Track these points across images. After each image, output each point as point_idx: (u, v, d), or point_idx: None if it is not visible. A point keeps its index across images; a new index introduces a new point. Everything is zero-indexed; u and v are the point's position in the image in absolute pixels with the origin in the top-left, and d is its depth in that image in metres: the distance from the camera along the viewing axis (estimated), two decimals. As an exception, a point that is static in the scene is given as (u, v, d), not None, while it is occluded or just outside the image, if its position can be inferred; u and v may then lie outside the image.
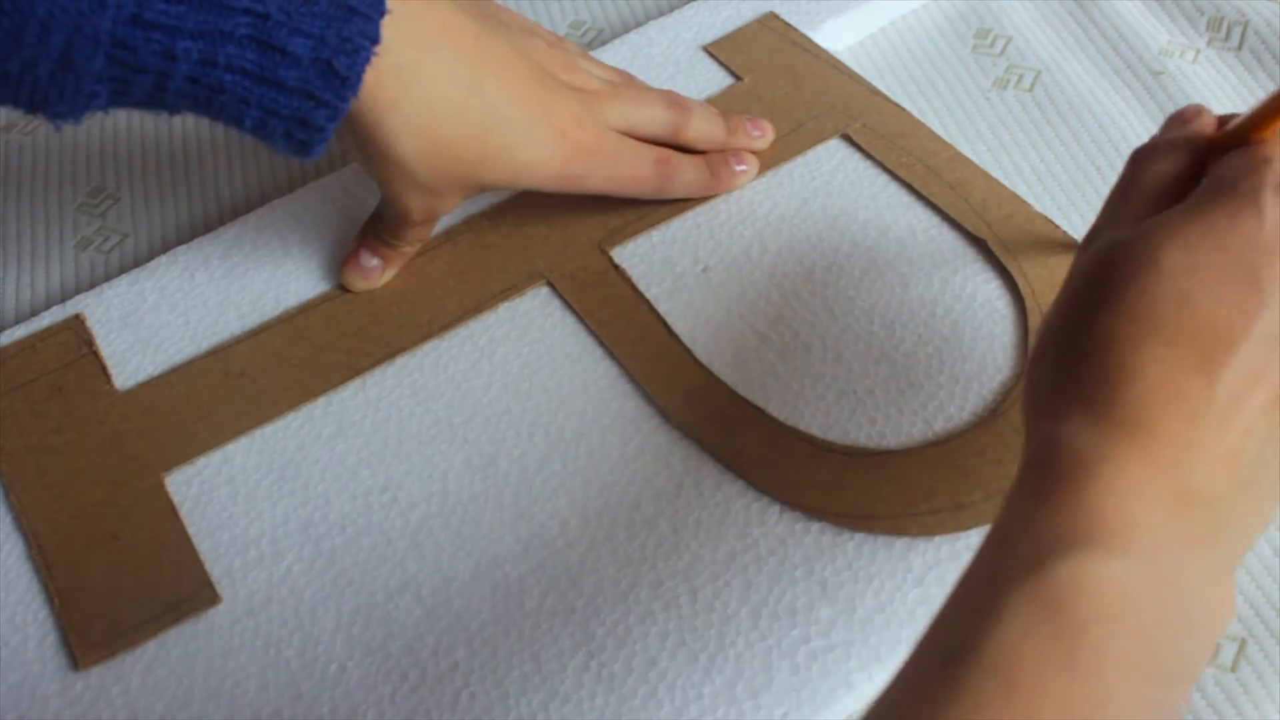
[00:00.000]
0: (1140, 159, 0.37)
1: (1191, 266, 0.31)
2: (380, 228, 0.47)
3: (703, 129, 0.50)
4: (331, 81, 0.39)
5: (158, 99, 0.38)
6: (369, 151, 0.42)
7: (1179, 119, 0.38)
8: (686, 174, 0.49)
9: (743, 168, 0.50)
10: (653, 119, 0.48)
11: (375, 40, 0.39)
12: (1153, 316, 0.31)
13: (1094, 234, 0.36)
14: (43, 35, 0.35)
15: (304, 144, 0.40)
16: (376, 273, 0.48)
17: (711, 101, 0.53)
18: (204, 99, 0.39)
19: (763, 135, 0.51)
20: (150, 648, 0.39)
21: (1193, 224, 0.32)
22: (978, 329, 0.45)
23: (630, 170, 0.47)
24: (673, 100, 0.49)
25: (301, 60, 0.38)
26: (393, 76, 0.40)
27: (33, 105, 0.37)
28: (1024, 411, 0.33)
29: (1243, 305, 0.31)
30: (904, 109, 0.52)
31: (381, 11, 0.39)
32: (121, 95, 0.38)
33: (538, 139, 0.44)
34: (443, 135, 0.42)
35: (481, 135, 0.43)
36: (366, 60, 0.39)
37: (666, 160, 0.48)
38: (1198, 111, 0.38)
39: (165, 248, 0.52)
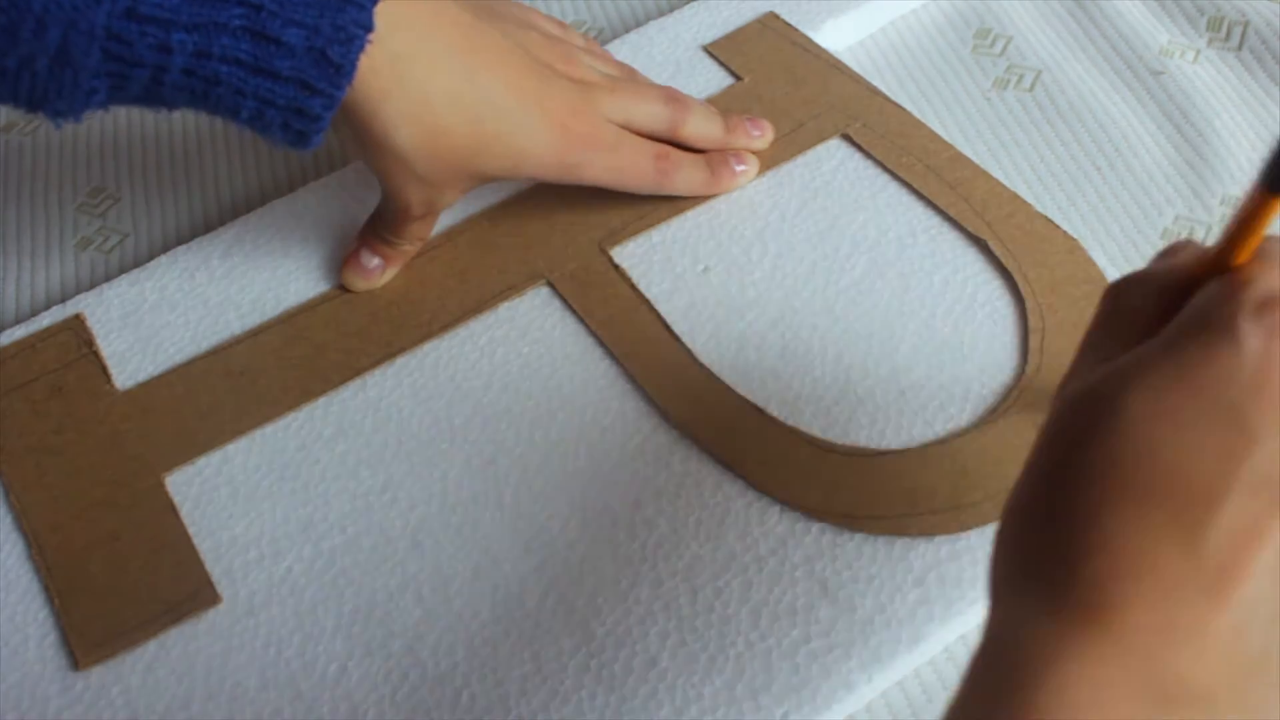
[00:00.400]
0: (1115, 293, 0.32)
1: (1161, 412, 0.27)
2: (380, 226, 0.47)
3: (700, 128, 0.50)
4: (326, 70, 0.39)
5: (155, 93, 0.38)
6: (367, 143, 0.42)
7: (1165, 252, 0.33)
8: (686, 171, 0.49)
9: (743, 168, 0.50)
10: (650, 115, 0.48)
11: (369, 29, 0.39)
12: (1117, 474, 0.27)
13: (1067, 379, 0.32)
14: (39, 30, 0.35)
15: (301, 134, 0.40)
16: (377, 272, 0.48)
17: (711, 101, 0.53)
18: (200, 92, 0.39)
19: (763, 135, 0.51)
20: (150, 648, 0.39)
21: (1162, 363, 0.28)
22: (978, 329, 0.45)
23: (629, 162, 0.47)
24: (671, 97, 0.49)
25: (295, 50, 0.38)
26: (388, 65, 0.40)
27: (32, 102, 0.37)
28: (988, 589, 0.29)
29: (1226, 451, 0.26)
30: (904, 109, 0.52)
31: (375, 0, 0.39)
32: (120, 90, 0.38)
33: (534, 126, 0.44)
34: (439, 123, 0.42)
35: (477, 123, 0.43)
36: (361, 48, 0.39)
37: (666, 155, 0.48)
38: (1186, 244, 0.33)
39: (165, 248, 0.52)
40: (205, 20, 0.37)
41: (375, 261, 0.48)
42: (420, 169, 0.43)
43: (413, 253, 0.48)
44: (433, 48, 0.42)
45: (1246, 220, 0.29)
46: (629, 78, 0.51)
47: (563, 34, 0.51)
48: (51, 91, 0.37)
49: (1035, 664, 0.25)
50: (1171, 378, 0.27)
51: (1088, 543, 0.26)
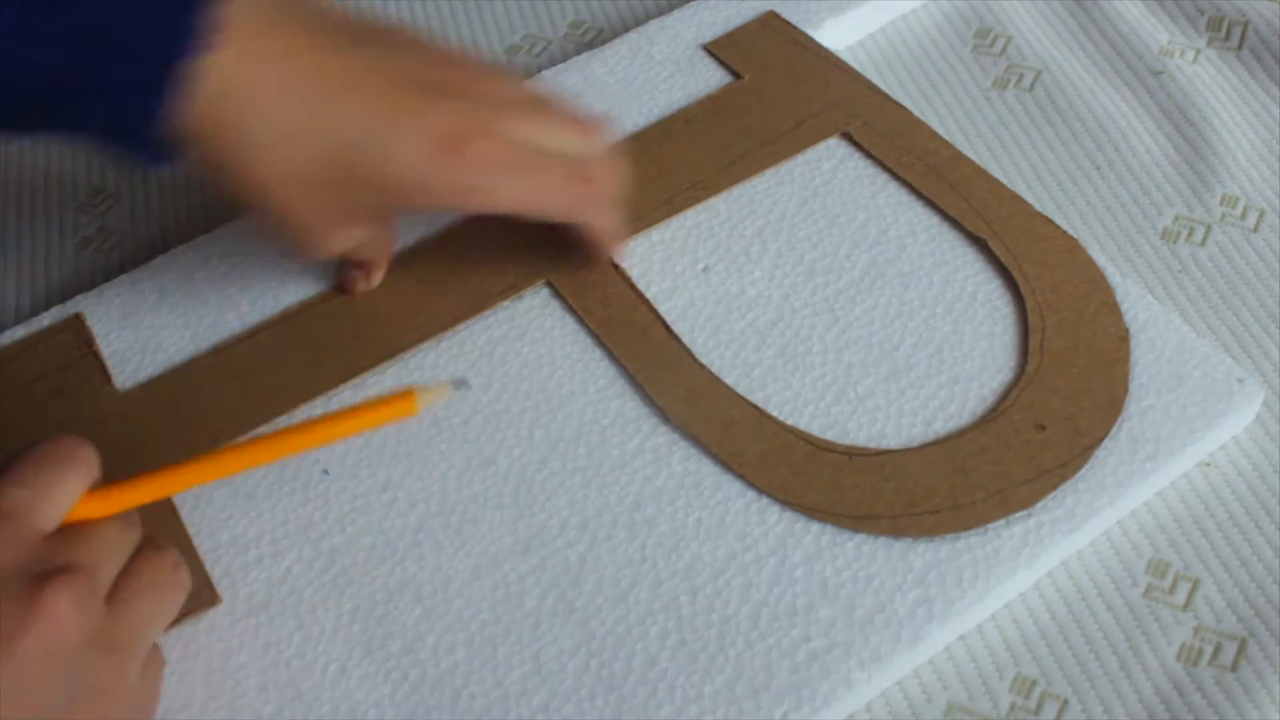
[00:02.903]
0: None
1: None
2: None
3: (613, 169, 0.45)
4: (151, 92, 0.37)
5: None
6: (239, 196, 0.40)
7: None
8: (608, 209, 0.45)
9: None
10: (563, 146, 0.44)
11: (200, 47, 0.37)
12: None
13: None
14: None
15: (139, 160, 0.39)
16: (360, 281, 0.48)
17: (711, 99, 0.53)
18: (29, 112, 0.38)
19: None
20: (150, 648, 0.39)
21: None
22: (978, 329, 0.45)
23: (546, 185, 0.43)
24: (591, 127, 0.45)
25: (115, 86, 0.37)
26: (227, 107, 0.38)
27: None
28: None
29: None
30: (904, 108, 0.52)
31: (205, 29, 0.37)
32: None
33: (411, 149, 0.40)
34: (300, 156, 0.39)
35: (343, 151, 0.40)
36: (189, 67, 0.37)
37: (589, 181, 0.44)
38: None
39: (165, 248, 0.52)
40: (27, 35, 0.36)
41: (354, 271, 0.47)
42: (290, 214, 0.40)
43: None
44: (276, 81, 0.39)
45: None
46: (544, 105, 0.45)
47: (464, 59, 0.46)
48: None
49: None
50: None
51: None
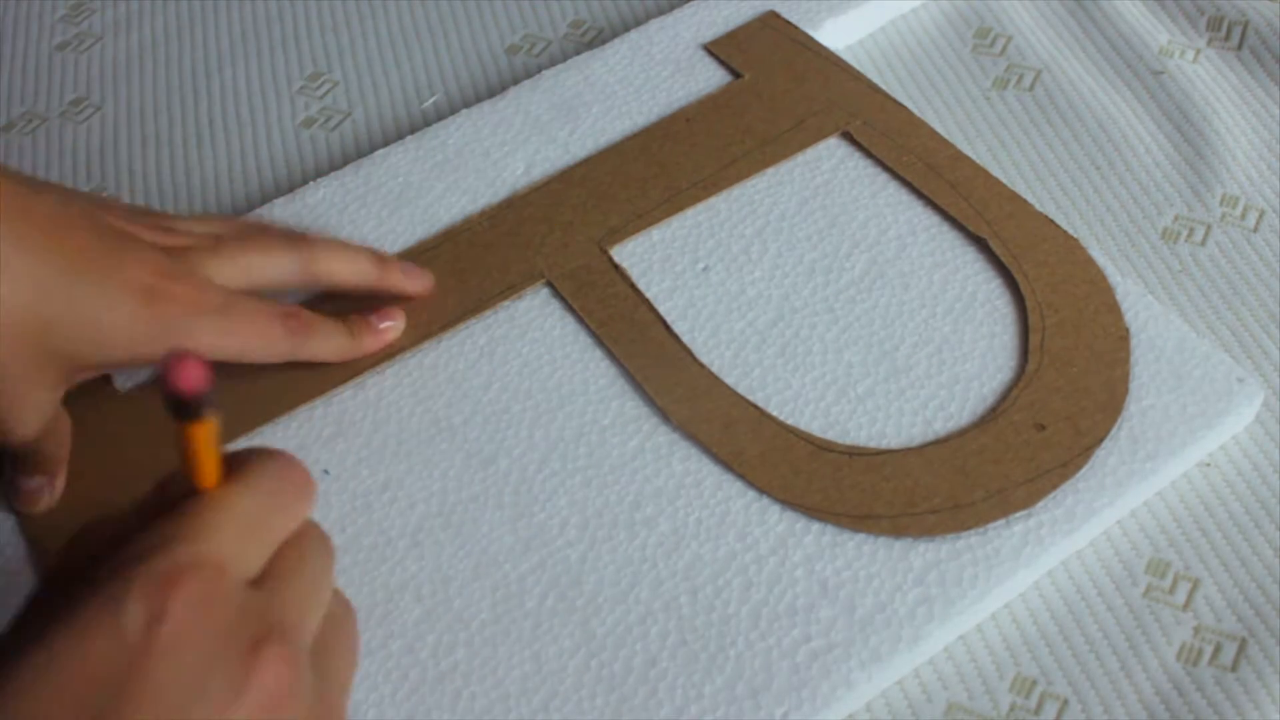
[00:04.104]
0: (69, 543, 0.29)
1: (28, 714, 0.24)
2: (12, 450, 0.42)
3: (344, 265, 0.45)
4: None
5: None
6: None
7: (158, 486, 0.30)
8: (322, 332, 0.44)
9: (388, 324, 0.46)
10: (275, 265, 0.44)
11: None
12: None
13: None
14: None
15: None
16: (45, 491, 0.42)
17: (711, 99, 0.53)
18: None
19: (418, 281, 0.47)
20: (150, 648, 0.39)
21: (33, 653, 0.25)
22: (978, 329, 0.45)
23: (249, 325, 0.42)
24: (295, 240, 0.45)
25: None
26: None
27: None
28: None
29: None
30: (904, 107, 0.52)
31: None
32: None
33: (110, 293, 0.39)
34: None
35: (36, 298, 0.37)
36: None
37: (295, 315, 0.43)
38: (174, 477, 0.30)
39: (165, 247, 0.52)
40: None
41: (35, 481, 0.42)
42: None
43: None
44: None
45: (182, 450, 0.29)
46: (242, 233, 0.45)
47: (156, 215, 0.45)
48: None
49: None
50: (44, 666, 0.24)
51: None
